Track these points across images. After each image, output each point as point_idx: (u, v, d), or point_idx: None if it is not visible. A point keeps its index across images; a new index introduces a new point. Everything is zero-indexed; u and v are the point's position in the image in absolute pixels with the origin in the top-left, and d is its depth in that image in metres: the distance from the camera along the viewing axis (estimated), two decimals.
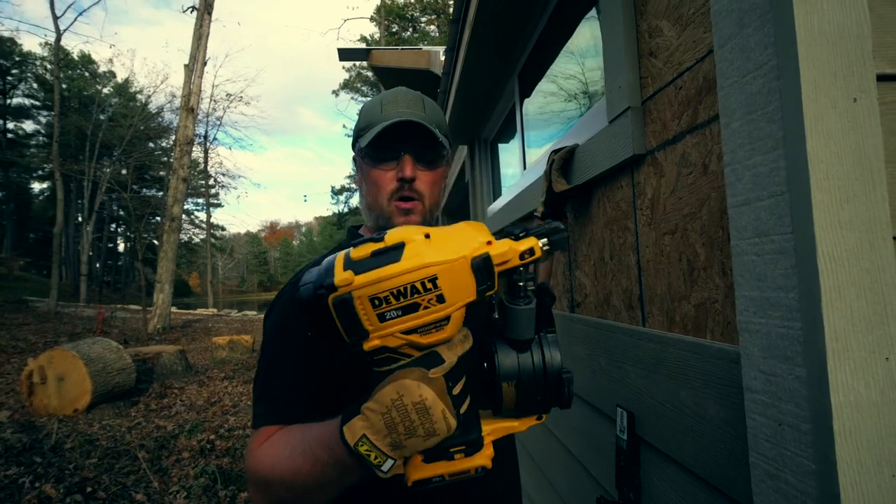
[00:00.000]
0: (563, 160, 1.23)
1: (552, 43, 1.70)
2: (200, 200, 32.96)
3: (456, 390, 0.53)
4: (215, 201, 34.80)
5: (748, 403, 0.62)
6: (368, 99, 0.95)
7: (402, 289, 0.48)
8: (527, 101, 2.03)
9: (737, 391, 0.66)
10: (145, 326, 11.59)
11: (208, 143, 25.14)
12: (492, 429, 0.58)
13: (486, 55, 1.95)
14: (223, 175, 28.63)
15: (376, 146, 0.80)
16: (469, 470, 0.55)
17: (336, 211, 31.39)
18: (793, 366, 0.55)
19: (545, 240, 0.53)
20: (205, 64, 13.48)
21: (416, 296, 0.49)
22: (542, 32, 1.71)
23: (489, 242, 0.51)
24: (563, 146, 1.25)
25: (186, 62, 13.28)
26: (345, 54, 4.64)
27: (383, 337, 0.51)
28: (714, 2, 0.66)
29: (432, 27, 23.86)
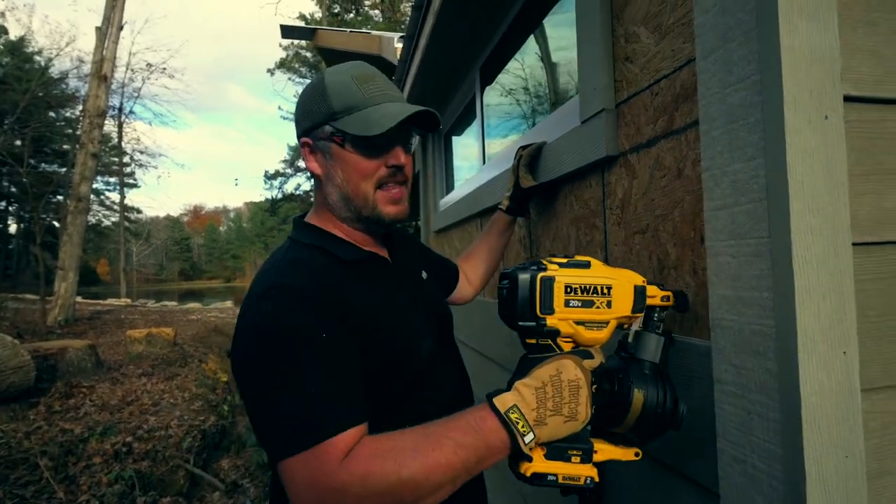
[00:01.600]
0: (530, 157, 1.25)
1: (519, 37, 1.72)
2: (113, 180, 30.08)
3: (593, 388, 0.65)
4: (131, 181, 31.91)
5: (718, 394, 0.67)
6: (310, 80, 0.87)
7: (587, 286, 0.66)
8: (488, 94, 2.04)
9: (706, 383, 0.71)
10: (44, 318, 10.40)
11: (124, 117, 22.90)
12: (600, 448, 0.66)
13: (448, 46, 1.94)
14: (141, 153, 26.25)
15: (377, 134, 0.73)
16: (580, 477, 0.63)
17: (269, 196, 29.92)
18: (764, 360, 0.59)
19: (674, 295, 0.72)
20: (121, 28, 12.22)
21: (594, 295, 0.67)
22: (510, 25, 1.72)
23: (645, 282, 0.71)
24: (531, 143, 1.27)
25: (99, 24, 11.97)
26: (288, 31, 4.40)
27: (561, 320, 0.66)
28: (697, 14, 0.69)
29: (376, 11, 23.29)
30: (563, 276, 0.66)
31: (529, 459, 0.61)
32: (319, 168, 0.81)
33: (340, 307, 0.70)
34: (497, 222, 1.26)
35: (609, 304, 0.67)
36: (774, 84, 0.57)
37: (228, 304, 18.14)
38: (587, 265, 0.68)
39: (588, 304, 0.66)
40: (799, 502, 0.55)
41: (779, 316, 0.57)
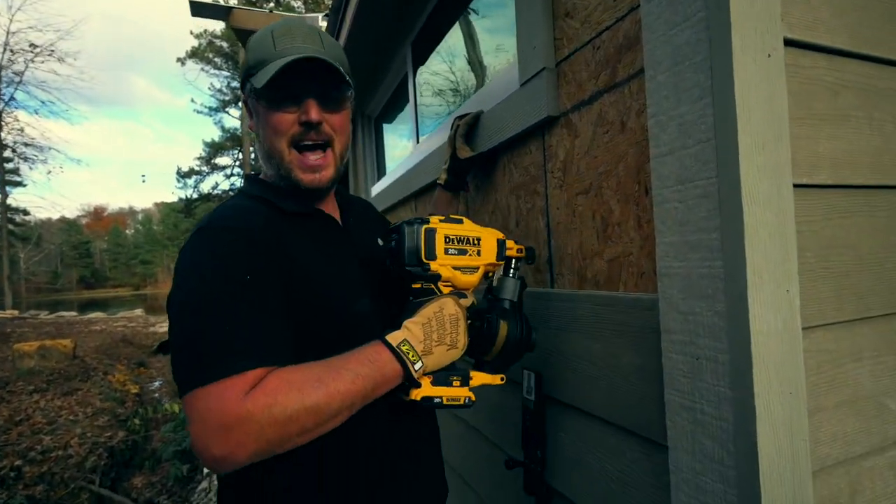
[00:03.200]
0: (468, 126, 1.20)
1: (452, 9, 1.67)
2: None
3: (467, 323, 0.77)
4: (15, 178, 28.21)
5: (665, 344, 0.66)
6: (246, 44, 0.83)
7: (462, 237, 0.80)
8: (421, 71, 1.98)
9: (652, 335, 0.69)
10: None
11: (2, 105, 20.14)
12: (473, 375, 0.79)
13: (377, 17, 1.85)
14: (26, 145, 23.23)
15: (274, 87, 0.72)
16: (460, 398, 0.75)
17: (183, 196, 27.69)
18: (713, 302, 0.59)
19: (527, 251, 0.90)
20: None
21: (467, 245, 0.81)
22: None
23: (504, 237, 0.86)
24: (467, 112, 1.23)
25: None
26: (198, 8, 4.02)
27: (442, 265, 0.78)
28: None
29: (298, 3, 22.37)
30: (442, 228, 0.78)
31: (419, 385, 0.72)
32: (251, 125, 0.82)
33: (274, 252, 0.71)
34: (439, 200, 1.21)
35: (479, 253, 0.82)
36: (721, 20, 0.56)
37: (138, 312, 16.61)
38: (461, 221, 0.82)
39: (462, 253, 0.80)
40: (749, 441, 0.55)
41: (727, 256, 0.56)
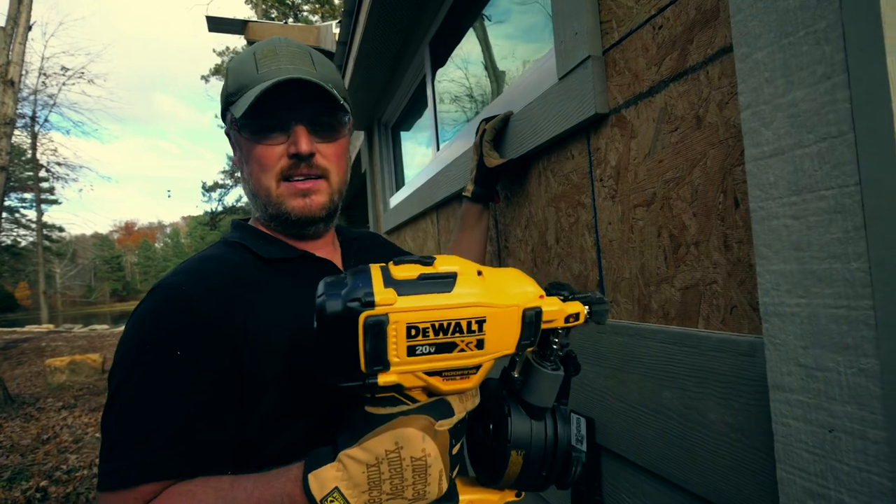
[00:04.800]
0: (495, 129, 1.06)
1: (472, 4, 1.53)
2: (29, 196, 27.45)
3: (455, 450, 0.47)
4: (50, 196, 29.32)
5: (777, 405, 0.50)
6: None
7: (445, 323, 0.42)
8: (440, 73, 1.85)
9: (751, 389, 0.54)
10: None
11: (38, 127, 20.93)
12: (469, 499, 0.51)
13: (393, 19, 1.73)
14: (59, 165, 24.08)
15: (256, 115, 0.62)
16: None
17: (208, 210, 28.28)
18: (856, 356, 0.43)
19: (588, 307, 0.51)
20: (29, 28, 11.10)
21: (457, 335, 0.43)
22: None
23: (542, 296, 0.47)
24: (494, 114, 1.08)
25: (2, 24, 10.82)
26: (215, 24, 4.02)
27: (403, 374, 0.43)
28: None
29: (316, 17, 22.67)
30: (403, 314, 0.41)
31: None
32: (236, 161, 0.71)
33: (227, 313, 0.58)
34: (466, 215, 1.06)
35: (480, 344, 0.44)
36: None
37: None
38: (448, 285, 0.43)
39: (447, 349, 0.43)
40: None
41: (882, 294, 0.40)
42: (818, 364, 0.46)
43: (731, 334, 0.58)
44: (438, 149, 1.88)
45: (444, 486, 0.46)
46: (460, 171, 1.35)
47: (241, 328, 0.58)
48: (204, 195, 28.34)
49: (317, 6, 22.70)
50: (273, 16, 22.99)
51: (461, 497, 0.51)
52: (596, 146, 0.81)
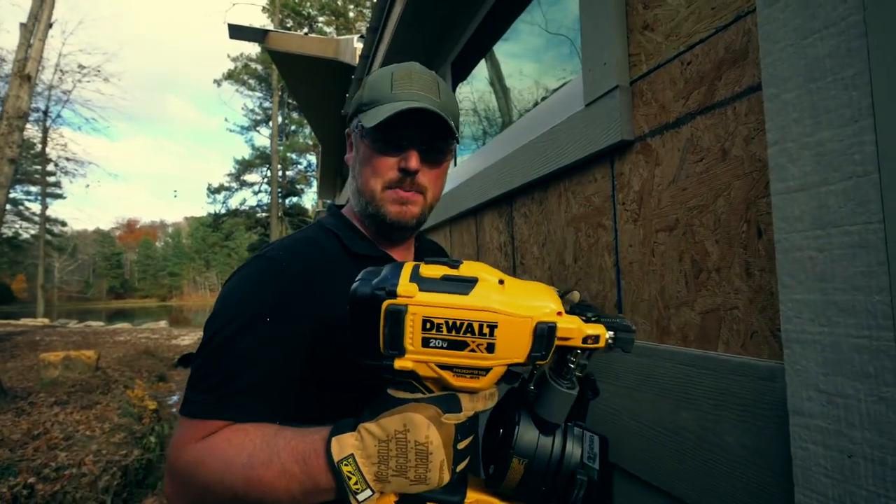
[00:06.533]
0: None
1: (496, 27, 1.58)
2: (35, 189, 27.55)
3: (462, 445, 0.51)
4: (56, 191, 29.45)
5: (796, 429, 0.52)
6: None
7: (458, 322, 0.46)
8: (461, 89, 1.89)
9: (771, 413, 0.55)
10: None
11: (49, 121, 21.14)
12: (476, 499, 0.53)
13: (418, 36, 1.78)
14: (67, 160, 24.24)
15: (382, 129, 0.70)
16: None
17: (212, 211, 28.39)
18: (878, 385, 0.45)
19: (612, 333, 0.50)
20: (50, 26, 11.28)
21: (468, 335, 0.47)
22: (487, 15, 1.58)
23: (560, 313, 0.48)
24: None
25: (24, 20, 11.01)
26: (237, 31, 4.11)
27: (418, 362, 0.48)
28: None
29: (331, 28, 23.06)
30: (421, 308, 0.46)
31: None
32: (350, 159, 0.80)
33: (312, 296, 0.66)
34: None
35: (490, 348, 0.47)
36: (888, 21, 0.44)
37: (162, 324, 16.83)
38: (467, 288, 0.47)
39: (458, 346, 0.47)
40: None
41: None
42: (839, 391, 0.48)
43: (750, 359, 0.60)
44: (455, 164, 1.92)
45: (446, 476, 0.49)
46: (476, 188, 1.38)
47: (318, 318, 0.66)
48: (209, 196, 28.46)
49: (332, 18, 23.10)
50: (289, 25, 23.39)
51: (469, 495, 0.53)
52: (620, 171, 0.84)
